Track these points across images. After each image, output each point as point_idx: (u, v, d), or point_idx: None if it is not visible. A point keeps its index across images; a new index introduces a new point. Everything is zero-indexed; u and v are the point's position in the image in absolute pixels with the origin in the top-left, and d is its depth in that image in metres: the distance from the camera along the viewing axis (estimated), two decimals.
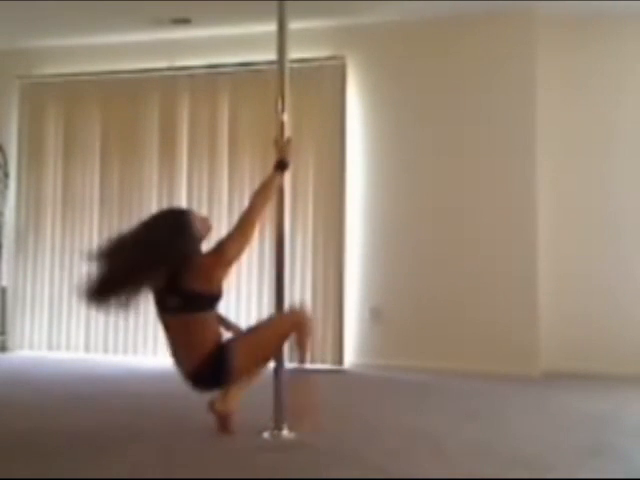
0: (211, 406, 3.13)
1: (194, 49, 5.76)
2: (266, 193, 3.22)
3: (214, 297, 3.07)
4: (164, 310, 3.06)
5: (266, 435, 3.17)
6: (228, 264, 3.04)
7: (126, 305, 2.97)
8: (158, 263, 2.94)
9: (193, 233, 3.06)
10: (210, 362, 2.96)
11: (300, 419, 3.09)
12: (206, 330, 3.02)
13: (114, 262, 2.93)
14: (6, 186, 6.11)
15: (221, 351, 2.98)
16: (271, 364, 3.22)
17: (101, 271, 2.92)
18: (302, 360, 3.12)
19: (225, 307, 5.54)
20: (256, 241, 5.49)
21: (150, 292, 3.05)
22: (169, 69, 5.81)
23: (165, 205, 5.76)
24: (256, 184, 5.46)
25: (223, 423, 3.15)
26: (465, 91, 5.32)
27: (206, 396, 3.14)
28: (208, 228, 3.21)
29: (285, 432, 3.18)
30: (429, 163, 5.36)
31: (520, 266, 5.11)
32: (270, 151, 3.39)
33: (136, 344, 5.77)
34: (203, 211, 5.67)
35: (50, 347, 5.96)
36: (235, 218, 5.64)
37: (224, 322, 3.32)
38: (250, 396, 3.25)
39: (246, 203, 5.34)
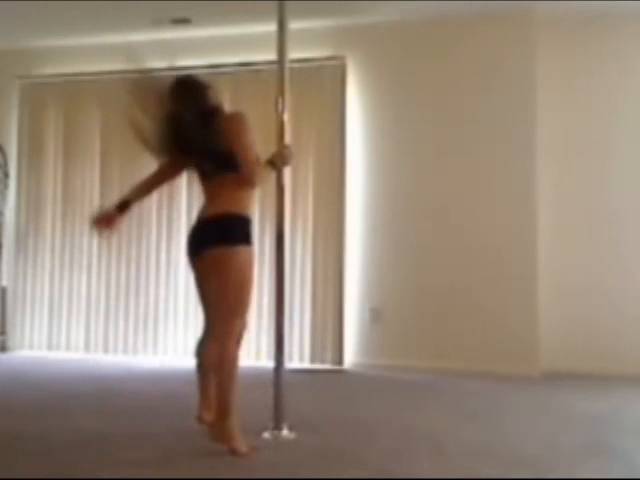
0: (200, 419, 3.05)
1: (194, 49, 5.75)
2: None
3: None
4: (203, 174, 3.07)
5: (266, 435, 3.17)
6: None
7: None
8: None
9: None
10: (218, 221, 2.93)
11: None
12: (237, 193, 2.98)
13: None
14: (6, 186, 6.11)
15: (232, 222, 2.94)
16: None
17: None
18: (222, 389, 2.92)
19: None
20: (256, 241, 5.50)
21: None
22: (169, 69, 5.79)
23: (165, 205, 5.77)
24: None
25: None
26: (465, 91, 5.32)
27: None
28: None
29: (285, 432, 3.18)
30: (429, 163, 5.36)
31: (520, 266, 5.11)
32: (269, 151, 3.38)
33: (136, 344, 5.77)
34: None
35: (50, 347, 5.96)
36: None
37: None
38: (250, 396, 3.25)
39: None
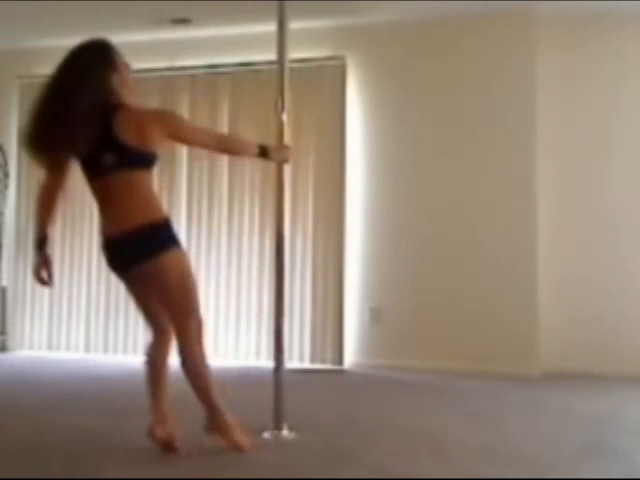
0: (152, 435, 2.84)
1: (194, 49, 5.75)
2: (234, 151, 3.35)
3: (149, 155, 2.79)
4: (97, 170, 2.87)
5: (266, 435, 3.16)
6: (164, 129, 2.82)
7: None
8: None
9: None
10: (143, 233, 2.73)
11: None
12: (147, 193, 2.82)
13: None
14: (6, 186, 6.11)
15: (158, 230, 2.77)
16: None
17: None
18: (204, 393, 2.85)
19: (224, 306, 5.55)
20: (256, 241, 5.50)
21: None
22: (169, 69, 5.81)
23: (164, 203, 5.76)
24: (256, 183, 5.55)
25: (168, 447, 2.87)
26: (465, 91, 5.32)
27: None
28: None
29: (285, 432, 3.18)
30: (429, 163, 5.36)
31: (520, 266, 5.11)
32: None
33: (136, 344, 5.76)
34: (203, 212, 5.69)
35: (50, 347, 5.95)
36: (235, 219, 5.69)
37: None
38: (250, 396, 3.25)
39: (246, 202, 5.35)
